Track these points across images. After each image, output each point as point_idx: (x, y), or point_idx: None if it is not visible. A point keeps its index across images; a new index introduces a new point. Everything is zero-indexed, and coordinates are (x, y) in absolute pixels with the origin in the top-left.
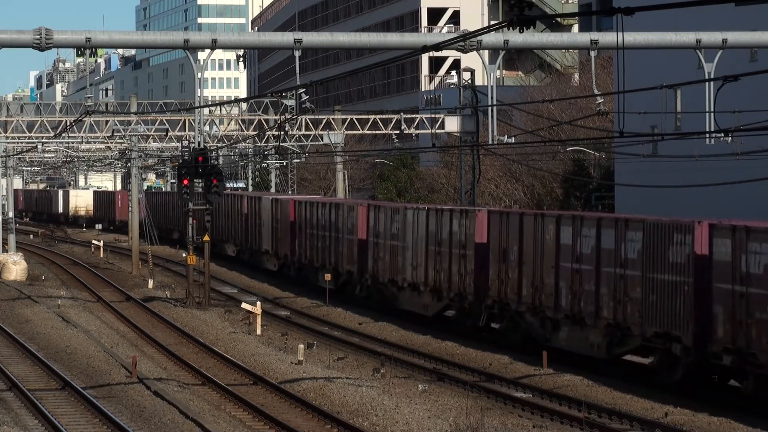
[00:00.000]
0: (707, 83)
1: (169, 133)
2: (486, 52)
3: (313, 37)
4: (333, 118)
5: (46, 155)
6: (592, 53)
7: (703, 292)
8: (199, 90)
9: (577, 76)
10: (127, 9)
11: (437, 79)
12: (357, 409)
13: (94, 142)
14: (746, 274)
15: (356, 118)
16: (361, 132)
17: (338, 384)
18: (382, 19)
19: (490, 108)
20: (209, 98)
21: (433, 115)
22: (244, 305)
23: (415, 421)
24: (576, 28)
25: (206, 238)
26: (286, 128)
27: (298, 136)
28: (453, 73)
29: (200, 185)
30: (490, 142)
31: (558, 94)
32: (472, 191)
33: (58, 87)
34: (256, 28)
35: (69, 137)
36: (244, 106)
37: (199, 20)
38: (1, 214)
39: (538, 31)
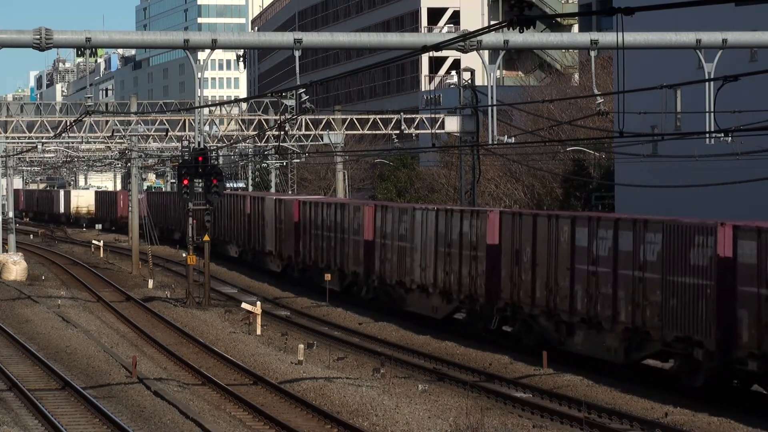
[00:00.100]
0: (707, 83)
1: (169, 133)
2: (486, 52)
3: (313, 37)
4: (333, 118)
5: (46, 155)
6: (592, 53)
7: (727, 295)
8: (199, 90)
9: (577, 76)
10: (127, 9)
11: (437, 79)
12: (357, 409)
13: (94, 142)
14: None
15: (356, 118)
16: (361, 132)
17: (338, 384)
18: (382, 19)
19: (490, 108)
20: (209, 98)
21: (433, 115)
22: (244, 305)
23: (415, 421)
24: (576, 28)
25: (206, 238)
26: (286, 128)
27: (298, 136)
28: (453, 73)
29: (200, 185)
30: (490, 142)
31: (558, 94)
32: (472, 191)
33: (58, 87)
34: (256, 28)
35: (69, 137)
36: (244, 106)
37: (199, 20)
38: (1, 214)
39: (538, 31)
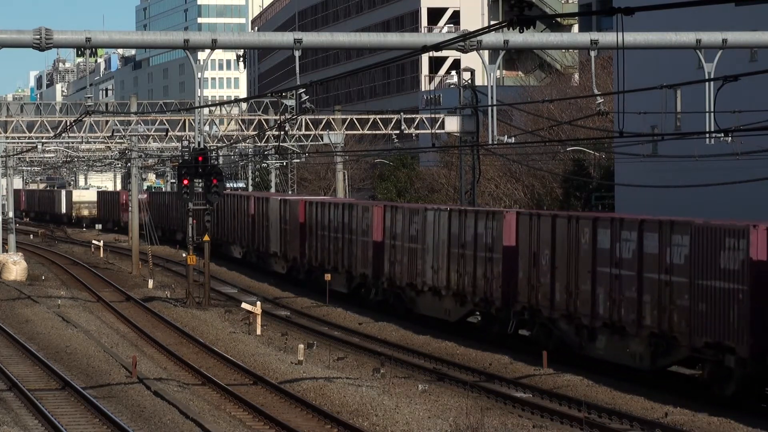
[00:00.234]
0: (707, 83)
1: (169, 133)
2: (486, 52)
3: (313, 37)
4: (333, 118)
5: (46, 155)
6: (592, 53)
7: (761, 300)
8: (199, 90)
9: (577, 76)
10: (127, 9)
11: (437, 79)
12: (357, 409)
13: (94, 142)
14: None
15: (356, 118)
16: (361, 132)
17: (338, 384)
18: (382, 19)
19: (490, 108)
20: (209, 98)
21: (433, 115)
22: (244, 305)
23: (415, 421)
24: (576, 28)
25: (206, 238)
26: (286, 128)
27: (298, 136)
28: (453, 73)
29: (200, 185)
30: (490, 142)
31: (558, 94)
32: (472, 191)
33: (58, 87)
34: (256, 28)
35: (69, 137)
36: (244, 106)
37: (199, 20)
38: (1, 214)
39: (538, 31)
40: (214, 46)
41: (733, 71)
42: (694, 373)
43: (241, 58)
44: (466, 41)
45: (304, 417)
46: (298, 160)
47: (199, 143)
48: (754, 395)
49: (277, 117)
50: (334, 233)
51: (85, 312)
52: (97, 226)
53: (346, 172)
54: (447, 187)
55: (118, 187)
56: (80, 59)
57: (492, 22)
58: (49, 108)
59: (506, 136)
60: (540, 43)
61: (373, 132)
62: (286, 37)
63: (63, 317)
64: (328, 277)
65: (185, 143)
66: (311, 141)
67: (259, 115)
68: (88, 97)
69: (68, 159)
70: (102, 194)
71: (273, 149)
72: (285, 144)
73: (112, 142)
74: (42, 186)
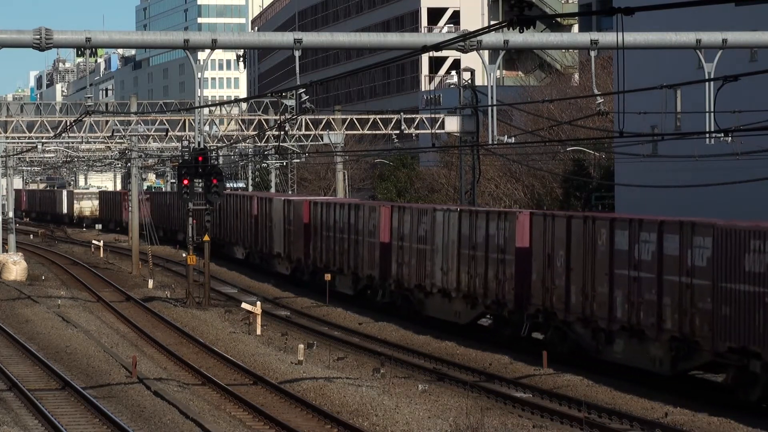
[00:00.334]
0: (707, 83)
1: (169, 133)
2: (486, 52)
3: (313, 37)
4: (333, 118)
5: (46, 155)
6: (592, 53)
7: None
8: (199, 90)
9: (577, 76)
10: (127, 9)
11: (437, 79)
12: (357, 409)
13: (94, 142)
14: None
15: (356, 118)
16: (361, 132)
17: (338, 384)
18: (382, 19)
19: (490, 108)
20: (209, 98)
21: (433, 115)
22: (244, 305)
23: (415, 421)
24: (576, 28)
25: (206, 238)
26: (286, 128)
27: (298, 136)
28: (453, 73)
29: (200, 185)
30: (490, 142)
31: (558, 94)
32: (472, 191)
33: (58, 87)
34: (256, 28)
35: (69, 137)
36: (244, 106)
37: (199, 20)
38: (1, 214)
39: (538, 31)
40: (214, 46)
41: (733, 71)
42: (716, 377)
43: (241, 58)
44: (466, 41)
45: (304, 417)
46: (298, 160)
47: (199, 143)
48: None
49: (277, 117)
50: (339, 234)
51: (85, 312)
52: (97, 226)
53: (346, 172)
54: (447, 187)
55: (118, 187)
56: (80, 59)
57: (492, 22)
58: (49, 108)
59: (506, 136)
60: (540, 43)
61: (373, 132)
62: (286, 37)
63: (63, 317)
64: (328, 277)
65: (185, 143)
66: (311, 141)
67: (259, 115)
68: (88, 97)
69: (68, 159)
70: (104, 194)
71: (273, 149)
72: (285, 144)
73: (112, 142)
74: (42, 186)
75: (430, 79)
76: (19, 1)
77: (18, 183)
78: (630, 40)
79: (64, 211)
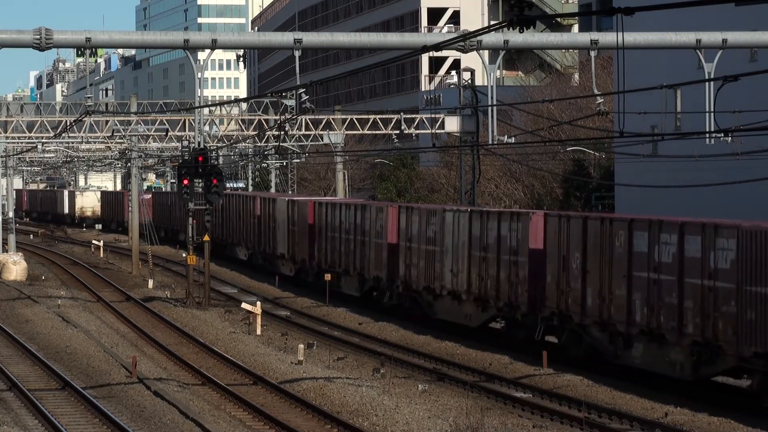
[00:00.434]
0: (707, 83)
1: (169, 133)
2: (486, 52)
3: (313, 37)
4: (333, 118)
5: (46, 155)
6: (592, 53)
7: None
8: (199, 90)
9: (577, 76)
10: (127, 9)
11: (437, 79)
12: (357, 409)
13: (94, 142)
14: None
15: (356, 118)
16: (361, 132)
17: (338, 384)
18: (382, 19)
19: (490, 108)
20: (209, 98)
21: (433, 115)
22: (244, 305)
23: (415, 421)
24: (576, 28)
25: (206, 238)
26: (286, 128)
27: (298, 136)
28: (453, 73)
29: (200, 185)
30: (490, 142)
31: (558, 94)
32: (472, 191)
33: (58, 87)
34: (256, 28)
35: (69, 137)
36: (244, 106)
37: (199, 20)
38: (1, 214)
39: (538, 31)
40: (214, 46)
41: (733, 71)
42: (738, 383)
43: (241, 58)
44: (466, 41)
45: (304, 417)
46: (298, 160)
47: (199, 143)
48: None
49: (277, 117)
50: (345, 235)
51: (85, 312)
52: (97, 226)
53: (346, 172)
54: (447, 187)
55: (119, 187)
56: (80, 59)
57: (492, 22)
58: (49, 108)
59: (506, 136)
60: (540, 43)
61: (373, 132)
62: (286, 37)
63: (63, 317)
64: (328, 277)
65: (185, 143)
66: (311, 141)
67: (259, 115)
68: (88, 97)
69: (68, 159)
70: (105, 194)
71: (273, 149)
72: (285, 144)
73: (112, 142)
74: (42, 186)
75: (430, 79)
76: (19, 1)
77: (18, 183)
78: (630, 40)
79: (66, 211)
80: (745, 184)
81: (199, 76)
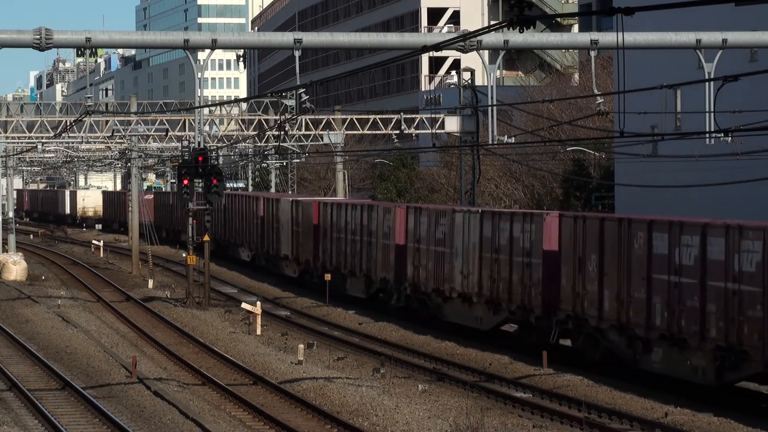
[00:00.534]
0: (707, 83)
1: (169, 133)
2: (486, 52)
3: (313, 37)
4: (333, 118)
5: (46, 155)
6: (592, 53)
7: None
8: (199, 90)
9: (577, 76)
10: (127, 9)
11: (437, 79)
12: (357, 409)
13: (94, 142)
14: None
15: (356, 118)
16: (361, 132)
17: (338, 384)
18: (382, 19)
19: (490, 108)
20: (209, 98)
21: (433, 115)
22: (244, 305)
23: (415, 421)
24: (576, 28)
25: (206, 237)
26: (286, 128)
27: (298, 136)
28: (453, 73)
29: (200, 185)
30: (490, 142)
31: (558, 94)
32: (472, 191)
33: (58, 87)
34: (256, 28)
35: (69, 137)
36: (244, 106)
37: (199, 20)
38: (1, 214)
39: (538, 31)
40: (214, 46)
41: (733, 71)
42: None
43: (241, 58)
44: (466, 41)
45: (304, 417)
46: (298, 160)
47: (199, 143)
48: None
49: (277, 117)
50: (351, 235)
51: (85, 312)
52: (97, 226)
53: (346, 172)
54: (447, 187)
55: (119, 187)
56: (80, 59)
57: (492, 22)
58: (49, 108)
59: (506, 136)
60: (540, 43)
61: (373, 132)
62: (286, 37)
63: (63, 317)
64: (327, 277)
65: (185, 143)
66: (311, 141)
67: (259, 115)
68: (88, 97)
69: (68, 159)
70: (107, 194)
71: (273, 149)
72: (285, 144)
73: (112, 142)
74: (42, 186)
75: (430, 79)
76: (19, 1)
77: (18, 183)
78: (630, 40)
79: (68, 211)
80: (745, 184)
81: (199, 76)
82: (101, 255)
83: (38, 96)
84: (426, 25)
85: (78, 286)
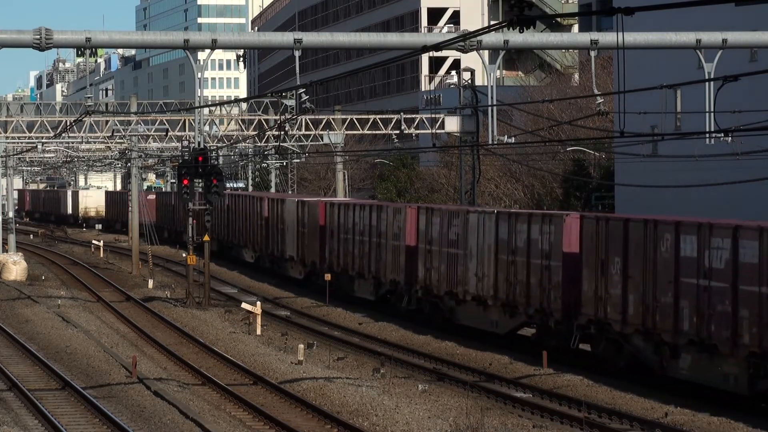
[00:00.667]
0: (707, 83)
1: (169, 133)
2: (486, 52)
3: (313, 37)
4: (333, 118)
5: (46, 155)
6: (592, 53)
7: None
8: (199, 90)
9: (577, 76)
10: (127, 9)
11: (437, 79)
12: (357, 409)
13: (94, 142)
14: None
15: (356, 118)
16: (361, 132)
17: (338, 384)
18: (382, 19)
19: (490, 108)
20: (209, 98)
21: (433, 115)
22: (244, 305)
23: (415, 421)
24: (576, 28)
25: (206, 237)
26: (286, 128)
27: (298, 136)
28: (453, 73)
29: (200, 185)
30: (490, 142)
31: (558, 94)
32: (472, 191)
33: (58, 87)
34: (256, 28)
35: (69, 137)
36: (244, 106)
37: (199, 20)
38: (0, 214)
39: (538, 31)
40: (214, 46)
41: (733, 71)
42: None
43: (241, 58)
44: (466, 41)
45: (304, 417)
46: (298, 160)
47: (199, 143)
48: None
49: (277, 117)
50: (359, 236)
51: (85, 312)
52: (97, 226)
53: (346, 172)
54: (447, 187)
55: (118, 187)
56: (80, 59)
57: (492, 22)
58: (49, 108)
59: (506, 136)
60: (540, 43)
61: (373, 132)
62: (286, 37)
63: (63, 317)
64: (328, 277)
65: (185, 143)
66: (311, 141)
67: (259, 115)
68: (88, 97)
69: (68, 159)
70: (110, 195)
71: (273, 149)
72: (285, 144)
73: (112, 142)
74: (42, 186)
75: (430, 79)
76: (19, 1)
77: (18, 183)
78: (630, 40)
79: (69, 211)
80: (745, 184)
81: (199, 76)
82: (101, 255)
83: (38, 96)
84: (426, 25)
85: (78, 286)
